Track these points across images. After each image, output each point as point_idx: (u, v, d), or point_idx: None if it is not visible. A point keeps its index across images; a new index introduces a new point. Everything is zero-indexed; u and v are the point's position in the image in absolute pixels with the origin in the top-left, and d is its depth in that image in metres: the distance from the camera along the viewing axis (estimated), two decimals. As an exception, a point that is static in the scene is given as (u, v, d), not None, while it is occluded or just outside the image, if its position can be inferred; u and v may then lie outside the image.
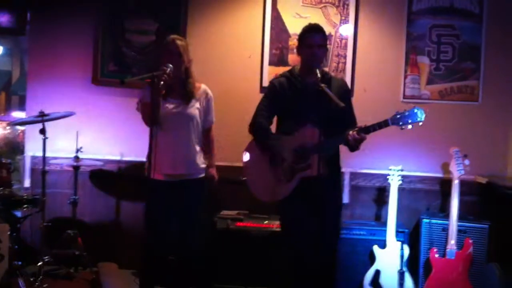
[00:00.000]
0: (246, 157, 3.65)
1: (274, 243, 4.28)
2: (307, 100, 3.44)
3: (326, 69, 4.68)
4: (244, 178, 3.65)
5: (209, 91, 3.82)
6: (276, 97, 3.57)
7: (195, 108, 3.69)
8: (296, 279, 3.56)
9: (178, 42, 3.60)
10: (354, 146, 3.36)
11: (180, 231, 3.72)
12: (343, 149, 3.54)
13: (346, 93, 3.62)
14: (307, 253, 3.42)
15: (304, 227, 3.44)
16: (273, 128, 3.67)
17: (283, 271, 3.71)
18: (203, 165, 3.79)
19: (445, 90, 4.78)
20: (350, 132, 3.28)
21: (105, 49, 4.91)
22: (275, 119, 3.66)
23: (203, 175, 3.78)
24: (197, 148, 3.73)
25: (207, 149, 3.87)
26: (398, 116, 3.24)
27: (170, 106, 3.59)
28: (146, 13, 4.89)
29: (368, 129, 3.27)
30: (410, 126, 3.24)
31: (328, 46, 4.66)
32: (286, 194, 3.45)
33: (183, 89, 3.65)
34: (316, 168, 3.29)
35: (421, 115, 3.23)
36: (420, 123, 3.25)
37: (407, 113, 3.24)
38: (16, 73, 7.13)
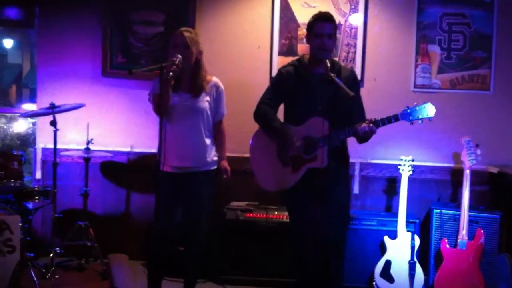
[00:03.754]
0: (252, 146, 3.63)
1: (283, 234, 4.29)
2: (314, 90, 3.42)
3: (336, 58, 4.66)
4: (247, 168, 3.65)
5: (220, 84, 3.78)
6: (282, 85, 3.54)
7: (204, 101, 3.65)
8: (301, 269, 3.56)
9: (185, 34, 3.56)
10: (363, 139, 3.35)
11: (186, 223, 3.73)
12: (351, 140, 3.52)
13: (355, 82, 3.57)
14: (311, 244, 3.41)
15: (310, 218, 3.43)
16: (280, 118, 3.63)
17: (291, 262, 3.72)
18: (215, 158, 3.77)
19: (456, 79, 4.74)
20: (362, 125, 3.26)
21: (113, 41, 4.90)
22: (281, 108, 3.63)
23: (213, 167, 3.76)
24: (207, 141, 3.69)
25: (218, 142, 3.85)
26: (408, 111, 3.25)
27: (180, 99, 3.58)
28: (153, 4, 4.88)
29: (378, 123, 3.27)
30: (420, 122, 3.25)
31: (337, 35, 4.66)
32: (292, 184, 3.44)
33: (193, 82, 3.62)
34: (325, 160, 3.27)
35: (431, 111, 3.23)
36: (430, 119, 3.25)
37: (417, 108, 3.25)
38: (26, 66, 7.16)
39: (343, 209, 3.58)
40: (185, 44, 3.54)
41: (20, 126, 5.51)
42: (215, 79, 3.76)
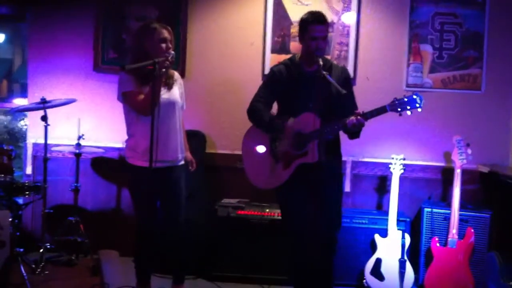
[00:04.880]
0: (245, 144, 3.64)
1: (275, 231, 4.30)
2: (306, 88, 3.42)
3: (329, 57, 4.66)
4: (239, 164, 3.65)
5: (180, 78, 3.82)
6: (275, 84, 3.55)
7: (177, 94, 3.70)
8: (295, 266, 3.57)
9: (169, 29, 3.58)
10: (353, 132, 3.35)
11: (166, 216, 3.73)
12: (344, 137, 3.53)
13: (347, 80, 3.57)
14: (306, 239, 3.42)
15: (303, 214, 3.44)
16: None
17: (283, 258, 3.72)
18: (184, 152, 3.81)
19: (448, 78, 4.76)
20: (350, 118, 3.26)
21: (105, 36, 4.88)
22: (275, 106, 3.64)
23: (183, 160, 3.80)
24: (182, 134, 3.75)
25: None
26: (396, 102, 3.21)
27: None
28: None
29: (366, 115, 3.25)
30: (409, 113, 3.21)
31: (330, 34, 4.67)
32: (282, 181, 3.44)
33: (166, 75, 3.61)
34: (316, 155, 3.27)
35: (419, 101, 3.19)
36: (419, 109, 3.21)
37: (405, 99, 3.20)
38: (17, 60, 7.08)
39: (336, 205, 3.59)
40: (171, 39, 3.55)
41: (11, 121, 5.47)
42: (176, 73, 3.79)
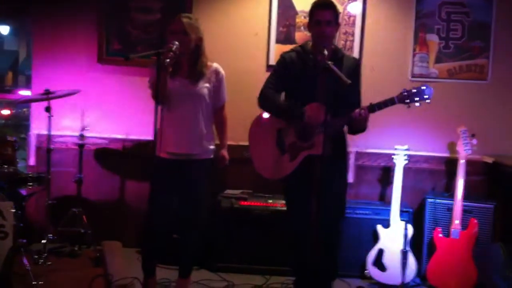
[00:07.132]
0: (252, 132, 3.61)
1: (277, 222, 4.29)
2: (315, 77, 3.36)
3: (340, 46, 4.62)
4: (246, 154, 3.62)
5: (221, 70, 3.73)
6: (285, 71, 3.49)
7: (204, 87, 3.62)
8: (296, 261, 3.56)
9: (184, 20, 3.52)
10: (358, 127, 3.31)
11: (181, 210, 3.71)
12: (348, 129, 3.51)
13: (356, 72, 3.50)
14: (309, 233, 3.39)
15: (306, 213, 3.41)
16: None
17: (286, 249, 3.70)
18: (211, 147, 3.73)
19: (454, 68, 4.72)
20: (357, 110, 3.23)
21: (109, 27, 4.87)
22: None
23: (209, 156, 3.72)
24: (205, 128, 3.66)
25: (219, 129, 3.83)
26: (405, 94, 3.17)
27: (178, 84, 3.55)
28: (151, -9, 4.85)
29: (373, 107, 3.22)
30: (417, 104, 3.17)
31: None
32: (289, 172, 3.42)
33: (192, 68, 3.59)
34: (321, 147, 3.23)
35: (428, 93, 3.16)
36: (428, 101, 3.18)
37: (414, 91, 3.16)
38: (22, 53, 7.13)
39: (339, 200, 3.56)
40: (183, 30, 3.50)
41: (15, 111, 5.49)
42: (215, 65, 3.72)
